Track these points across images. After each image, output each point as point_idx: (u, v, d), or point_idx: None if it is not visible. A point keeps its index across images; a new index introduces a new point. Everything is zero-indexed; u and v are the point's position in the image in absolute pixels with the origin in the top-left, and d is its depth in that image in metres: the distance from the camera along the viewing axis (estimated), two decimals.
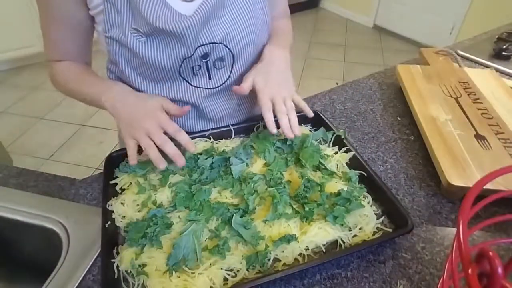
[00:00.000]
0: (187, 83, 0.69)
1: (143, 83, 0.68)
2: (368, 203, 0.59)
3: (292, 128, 0.64)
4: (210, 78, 0.70)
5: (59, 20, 0.64)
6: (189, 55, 0.64)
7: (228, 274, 0.49)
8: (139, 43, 0.61)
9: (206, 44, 0.64)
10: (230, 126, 0.74)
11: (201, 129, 0.75)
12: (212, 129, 0.73)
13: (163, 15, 0.59)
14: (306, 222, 0.55)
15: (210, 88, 0.71)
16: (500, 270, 0.26)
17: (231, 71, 0.71)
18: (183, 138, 0.60)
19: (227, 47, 0.67)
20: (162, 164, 0.58)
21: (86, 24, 0.65)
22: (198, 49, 0.63)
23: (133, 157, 0.59)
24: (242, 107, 0.82)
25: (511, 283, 0.27)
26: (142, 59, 0.62)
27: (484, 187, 0.33)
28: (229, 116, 0.79)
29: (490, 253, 0.27)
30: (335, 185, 0.61)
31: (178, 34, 0.59)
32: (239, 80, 0.75)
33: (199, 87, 0.71)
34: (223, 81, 0.72)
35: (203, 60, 0.67)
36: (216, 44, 0.65)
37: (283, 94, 0.66)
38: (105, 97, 0.63)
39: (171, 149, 0.58)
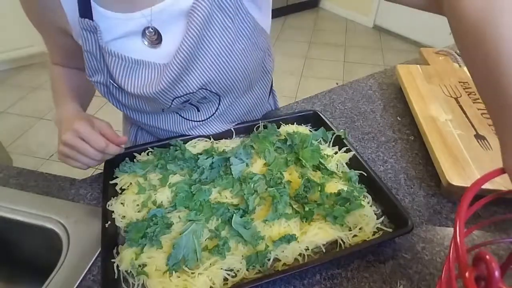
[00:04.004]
0: (178, 115, 0.71)
1: (135, 114, 0.70)
2: (368, 203, 0.59)
3: None
4: (198, 111, 0.71)
5: (48, 31, 0.64)
6: (167, 107, 0.63)
7: (228, 274, 0.49)
8: (121, 92, 0.62)
9: (182, 95, 0.61)
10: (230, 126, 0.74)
11: None
12: None
13: (134, 80, 0.59)
14: (306, 222, 0.55)
15: (199, 121, 0.72)
16: (497, 273, 0.26)
17: (219, 104, 0.70)
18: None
19: (209, 90, 0.63)
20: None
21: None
22: (175, 100, 0.62)
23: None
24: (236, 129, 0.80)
25: (508, 287, 0.27)
26: (128, 103, 0.63)
27: (483, 187, 0.33)
28: None
29: (487, 257, 0.27)
30: (335, 185, 0.61)
31: (151, 98, 0.60)
32: (229, 110, 0.73)
33: (189, 120, 0.71)
34: (212, 113, 0.71)
35: (185, 103, 0.65)
36: (193, 93, 0.62)
37: None
38: (56, 113, 0.64)
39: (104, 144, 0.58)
